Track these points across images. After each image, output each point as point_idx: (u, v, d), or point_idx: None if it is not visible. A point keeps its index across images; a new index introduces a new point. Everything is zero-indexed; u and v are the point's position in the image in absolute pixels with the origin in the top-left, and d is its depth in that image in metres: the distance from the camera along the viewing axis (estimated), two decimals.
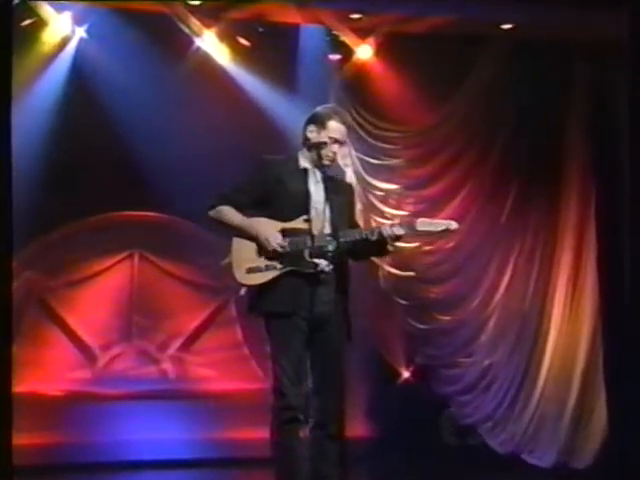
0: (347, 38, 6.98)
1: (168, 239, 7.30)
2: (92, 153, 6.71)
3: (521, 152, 7.24)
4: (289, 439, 4.09)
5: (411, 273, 7.27)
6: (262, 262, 4.15)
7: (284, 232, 4.15)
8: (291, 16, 6.71)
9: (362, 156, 7.12)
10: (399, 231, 4.14)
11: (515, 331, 7.24)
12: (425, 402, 7.34)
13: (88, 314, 7.24)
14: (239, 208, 4.23)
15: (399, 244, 6.63)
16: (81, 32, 6.62)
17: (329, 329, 4.14)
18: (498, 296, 7.31)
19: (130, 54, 6.51)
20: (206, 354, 7.42)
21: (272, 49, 6.82)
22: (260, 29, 6.80)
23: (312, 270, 4.10)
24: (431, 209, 7.00)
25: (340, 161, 6.91)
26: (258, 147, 5.72)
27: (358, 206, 6.17)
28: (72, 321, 7.22)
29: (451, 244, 7.25)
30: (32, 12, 6.42)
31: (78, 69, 6.64)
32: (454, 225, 4.21)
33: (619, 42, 5.19)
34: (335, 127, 4.24)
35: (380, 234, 4.13)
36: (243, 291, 4.29)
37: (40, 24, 6.51)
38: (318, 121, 4.27)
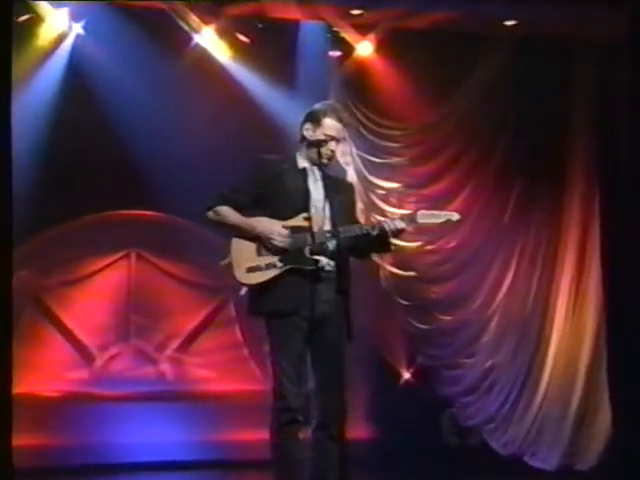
0: (347, 34, 6.98)
1: (166, 238, 7.30)
2: (89, 151, 6.69)
3: (524, 150, 7.24)
4: (288, 441, 4.08)
5: (412, 273, 7.27)
6: (262, 261, 4.14)
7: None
8: (291, 12, 6.71)
9: (363, 154, 7.12)
10: (400, 224, 4.13)
11: (518, 331, 7.24)
12: (426, 403, 7.33)
13: (85, 314, 7.24)
14: (238, 208, 4.22)
15: (400, 243, 6.73)
16: (78, 28, 6.62)
17: (330, 329, 4.13)
18: (500, 296, 7.30)
19: (128, 51, 6.50)
20: (205, 355, 7.41)
21: (272, 46, 6.81)
22: (260, 25, 6.80)
23: (313, 267, 4.10)
24: (433, 208, 6.92)
25: (341, 159, 6.93)
26: (257, 145, 5.72)
27: (359, 205, 6.17)
28: (69, 321, 7.22)
29: (453, 243, 7.25)
30: (29, 8, 6.42)
31: (75, 66, 6.62)
32: (456, 216, 4.20)
33: (622, 40, 5.18)
34: (330, 124, 4.23)
35: (381, 228, 4.12)
36: (243, 291, 4.28)
37: (37, 20, 6.50)
38: (314, 119, 4.26)
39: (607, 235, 7.09)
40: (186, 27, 6.71)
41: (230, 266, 4.18)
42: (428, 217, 4.17)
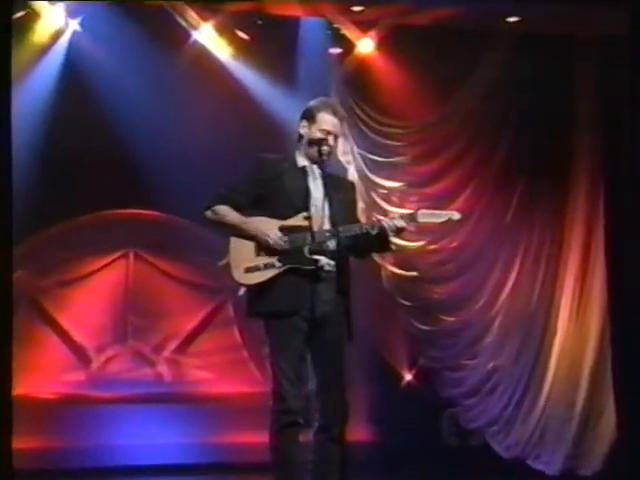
0: (348, 31, 6.98)
1: (164, 237, 7.30)
2: (86, 149, 6.69)
3: (527, 149, 7.23)
4: (288, 443, 4.07)
5: (414, 273, 7.27)
6: (261, 261, 4.13)
7: (283, 230, 4.13)
8: (291, 9, 6.71)
9: (364, 153, 7.11)
10: (400, 223, 4.12)
11: (521, 332, 7.23)
12: (428, 405, 7.33)
13: (82, 315, 7.24)
14: (236, 208, 4.21)
15: (402, 242, 6.73)
16: (75, 25, 6.62)
17: (330, 329, 4.12)
18: (503, 296, 7.30)
19: (125, 48, 6.50)
20: (203, 356, 7.41)
21: (271, 43, 6.81)
22: (259, 22, 6.79)
23: (312, 267, 4.09)
24: (435, 207, 6.91)
25: (342, 158, 6.94)
26: (257, 144, 5.72)
27: (360, 204, 6.16)
28: (65, 322, 7.22)
29: (455, 243, 7.25)
30: (24, 4, 6.41)
31: (71, 63, 6.62)
32: (457, 215, 4.20)
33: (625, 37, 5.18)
34: (325, 119, 4.22)
35: (381, 227, 4.12)
36: (242, 291, 4.27)
37: (32, 16, 6.50)
38: (308, 116, 4.26)
39: (612, 235, 7.08)
40: (184, 24, 6.71)
41: (228, 266, 4.17)
42: (429, 216, 4.17)
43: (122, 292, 7.34)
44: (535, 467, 7.02)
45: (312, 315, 4.07)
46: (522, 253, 7.31)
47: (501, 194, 7.28)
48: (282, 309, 4.10)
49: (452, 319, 7.30)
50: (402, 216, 4.20)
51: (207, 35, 6.78)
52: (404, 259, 7.18)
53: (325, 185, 4.18)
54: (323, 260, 4.12)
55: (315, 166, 4.25)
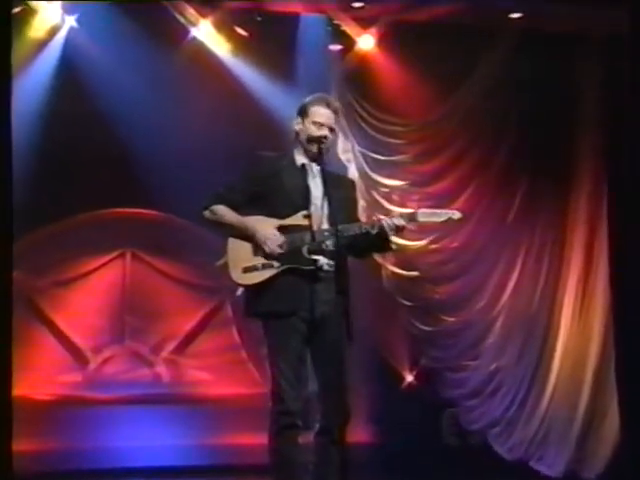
0: (348, 28, 6.98)
1: (162, 237, 7.29)
2: (82, 147, 6.69)
3: (529, 148, 7.23)
4: (287, 445, 4.06)
5: (415, 273, 7.27)
6: (259, 261, 4.12)
7: (281, 229, 4.12)
8: (290, 5, 6.70)
9: (365, 151, 7.11)
10: (400, 222, 4.11)
11: (523, 333, 7.23)
12: (429, 406, 7.33)
13: (78, 315, 7.24)
14: (234, 207, 4.20)
15: (403, 242, 6.72)
16: (71, 21, 6.61)
17: (330, 330, 4.10)
18: (505, 297, 7.30)
19: (122, 44, 6.49)
20: (201, 357, 7.41)
21: (271, 39, 6.81)
22: (258, 18, 6.80)
23: (312, 267, 4.08)
24: (436, 206, 6.91)
25: (342, 156, 6.93)
26: (256, 141, 5.70)
27: (361, 203, 6.16)
28: (62, 322, 7.22)
29: (456, 243, 7.25)
30: (21, 1, 6.40)
31: (68, 60, 6.61)
32: (457, 214, 4.19)
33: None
34: (317, 111, 4.21)
35: (381, 227, 4.11)
36: (239, 292, 4.27)
37: (29, 12, 6.49)
38: (301, 111, 4.26)
39: (615, 235, 7.07)
40: (183, 20, 6.70)
41: (226, 266, 4.17)
42: (429, 215, 4.17)
43: (119, 292, 7.34)
44: (538, 469, 7.02)
45: (311, 315, 4.06)
46: (524, 253, 7.31)
47: (503, 193, 7.29)
48: (280, 309, 4.09)
49: (453, 319, 7.30)
50: (402, 215, 4.19)
51: (205, 31, 6.78)
52: (405, 259, 7.18)
53: (324, 183, 4.17)
54: (322, 260, 4.11)
55: (314, 164, 4.24)
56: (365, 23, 6.96)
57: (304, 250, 4.09)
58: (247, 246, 4.15)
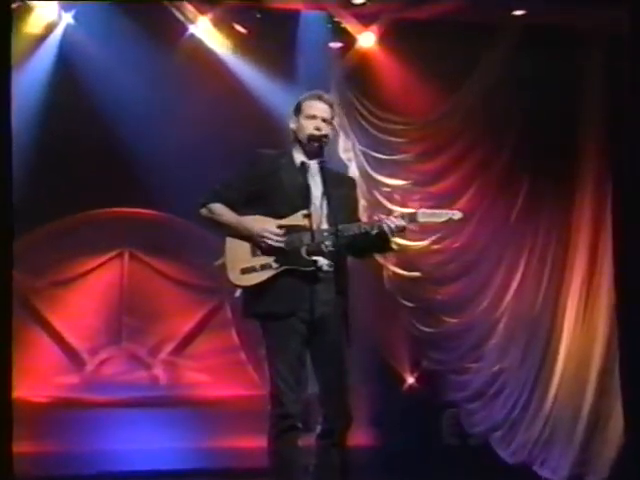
0: (349, 25, 6.97)
1: (160, 237, 7.29)
2: (79, 145, 6.68)
3: (533, 147, 7.22)
4: (287, 448, 4.05)
5: (417, 273, 7.26)
6: (257, 262, 4.11)
7: (280, 229, 4.11)
8: (290, 2, 6.70)
9: (366, 150, 7.11)
10: (400, 222, 4.11)
11: (526, 334, 7.22)
12: (431, 408, 7.32)
13: (75, 316, 7.23)
14: (232, 205, 4.19)
15: (404, 242, 6.72)
16: (68, 18, 6.61)
17: (329, 331, 4.09)
18: (508, 298, 7.29)
19: (120, 42, 6.49)
20: (200, 358, 7.41)
21: (270, 37, 6.80)
22: (258, 15, 6.79)
23: (311, 268, 4.07)
24: (438, 206, 6.91)
25: (343, 155, 6.92)
26: (255, 139, 5.70)
27: (362, 202, 6.14)
28: (58, 323, 7.21)
29: (459, 243, 7.24)
30: None
31: (64, 57, 6.61)
32: (458, 215, 4.18)
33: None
34: (309, 105, 4.22)
35: (380, 227, 4.10)
36: (238, 293, 4.26)
37: (25, 9, 6.48)
38: (295, 109, 4.27)
39: (619, 235, 7.06)
40: (181, 17, 6.70)
41: (224, 267, 4.16)
42: (429, 216, 4.16)
43: (117, 293, 7.34)
44: (541, 473, 7.01)
45: (310, 316, 4.05)
46: (527, 254, 7.30)
47: (506, 193, 7.27)
48: (279, 310, 4.08)
49: (455, 321, 7.30)
50: (402, 216, 4.18)
51: (204, 28, 6.78)
52: (406, 259, 7.17)
53: (324, 182, 4.15)
54: (321, 261, 4.10)
55: (313, 162, 4.22)
56: (366, 20, 6.95)
57: (303, 251, 4.08)
58: (245, 246, 4.14)
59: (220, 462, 6.91)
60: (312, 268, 4.07)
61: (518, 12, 6.82)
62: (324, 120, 4.21)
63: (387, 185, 7.19)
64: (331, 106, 4.27)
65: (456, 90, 7.12)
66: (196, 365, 7.41)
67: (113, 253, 7.36)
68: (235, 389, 7.27)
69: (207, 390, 7.32)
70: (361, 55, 7.07)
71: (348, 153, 7.06)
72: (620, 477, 6.70)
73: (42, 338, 7.17)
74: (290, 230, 4.10)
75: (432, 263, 7.30)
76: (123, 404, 7.06)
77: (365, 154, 7.12)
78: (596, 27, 6.91)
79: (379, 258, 6.89)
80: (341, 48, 7.10)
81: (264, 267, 4.10)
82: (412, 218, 4.14)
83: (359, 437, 6.08)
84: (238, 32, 6.87)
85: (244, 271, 4.12)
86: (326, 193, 4.13)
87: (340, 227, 4.06)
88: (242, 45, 6.86)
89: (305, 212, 4.10)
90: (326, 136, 4.21)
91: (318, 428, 4.13)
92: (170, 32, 6.72)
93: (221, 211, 4.19)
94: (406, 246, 6.94)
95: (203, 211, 4.24)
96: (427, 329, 7.30)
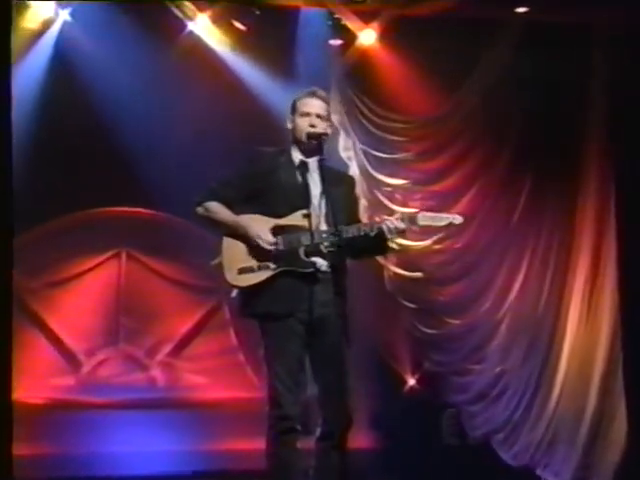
0: (349, 22, 6.97)
1: (157, 237, 7.28)
2: (76, 144, 6.67)
3: (535, 146, 7.21)
4: (285, 450, 4.05)
5: (418, 274, 7.25)
6: (254, 262, 4.11)
7: (278, 229, 4.10)
8: None
9: (367, 149, 7.10)
10: (400, 225, 4.10)
11: (529, 336, 7.21)
12: (433, 410, 7.31)
13: (72, 317, 7.23)
14: (229, 204, 4.18)
15: (405, 242, 6.71)
16: (65, 15, 6.60)
17: (329, 332, 4.07)
18: (510, 299, 7.28)
19: (117, 39, 6.48)
20: (198, 360, 7.40)
21: (270, 34, 6.80)
22: (257, 12, 6.78)
23: (310, 269, 4.06)
24: (440, 206, 6.94)
25: (343, 154, 6.92)
26: (254, 137, 5.70)
27: (363, 202, 6.14)
28: (55, 324, 7.21)
29: (461, 243, 7.23)
30: None
31: (61, 54, 6.60)
32: (458, 219, 4.18)
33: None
34: (304, 102, 4.22)
35: (380, 229, 4.09)
36: (234, 293, 4.24)
37: (21, 6, 6.47)
38: (291, 109, 4.27)
39: (623, 236, 7.06)
40: (179, 14, 6.69)
41: (221, 266, 4.15)
42: (429, 219, 4.15)
43: (114, 293, 7.33)
44: (544, 477, 7.01)
45: (309, 318, 4.05)
46: (530, 254, 7.29)
47: (508, 193, 7.27)
48: (277, 310, 4.07)
49: (457, 322, 7.29)
50: (402, 218, 4.16)
51: (203, 26, 6.77)
52: (408, 259, 7.17)
53: (323, 180, 4.14)
54: (320, 261, 4.09)
55: (312, 159, 4.21)
56: (366, 18, 6.95)
57: (301, 252, 4.07)
58: (243, 246, 4.12)
59: (218, 465, 6.91)
60: (311, 270, 4.07)
61: (520, 9, 6.81)
62: (319, 116, 4.20)
63: (388, 184, 7.19)
64: (325, 102, 4.26)
65: (457, 89, 7.11)
66: (194, 367, 7.40)
67: (110, 253, 7.36)
68: (233, 391, 7.26)
69: (205, 392, 7.31)
70: (361, 53, 7.07)
71: (348, 152, 7.05)
72: None
73: (38, 339, 7.16)
74: (288, 230, 4.09)
75: (434, 264, 7.29)
76: (120, 406, 7.05)
77: (365, 153, 7.11)
78: (596, 27, 6.92)
79: (380, 259, 6.88)
80: (341, 45, 7.09)
81: (262, 267, 4.09)
82: (412, 221, 4.13)
83: (359, 440, 6.08)
84: (237, 29, 6.86)
85: (241, 271, 4.11)
86: (325, 192, 4.12)
87: (339, 228, 4.04)
88: (241, 42, 6.85)
89: (304, 212, 4.08)
90: (325, 134, 4.19)
91: (318, 430, 4.12)
92: (169, 29, 6.72)
93: (217, 209, 4.18)
94: (407, 246, 6.93)
95: (199, 209, 4.22)
96: (428, 330, 7.29)
